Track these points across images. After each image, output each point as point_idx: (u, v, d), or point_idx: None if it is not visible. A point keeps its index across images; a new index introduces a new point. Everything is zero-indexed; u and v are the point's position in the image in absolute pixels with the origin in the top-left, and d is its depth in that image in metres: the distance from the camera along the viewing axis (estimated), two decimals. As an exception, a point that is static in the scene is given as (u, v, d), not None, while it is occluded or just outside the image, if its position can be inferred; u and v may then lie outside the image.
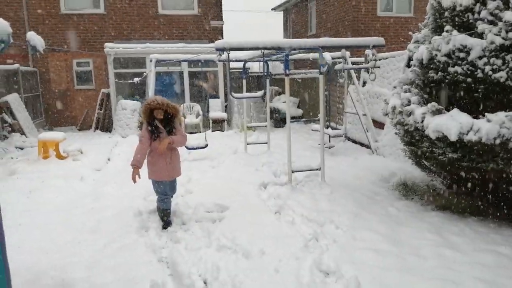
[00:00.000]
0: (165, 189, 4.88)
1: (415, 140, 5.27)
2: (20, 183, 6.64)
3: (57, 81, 13.79)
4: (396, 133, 5.99)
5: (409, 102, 5.26)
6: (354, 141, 10.05)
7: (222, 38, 14.91)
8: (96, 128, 13.08)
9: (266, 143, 9.24)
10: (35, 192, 6.17)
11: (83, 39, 13.74)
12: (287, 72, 5.90)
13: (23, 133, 10.54)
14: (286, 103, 6.26)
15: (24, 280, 3.47)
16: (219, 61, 7.04)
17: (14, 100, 10.70)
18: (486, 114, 4.35)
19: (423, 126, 4.79)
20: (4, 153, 8.90)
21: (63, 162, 8.10)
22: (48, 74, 13.71)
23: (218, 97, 13.63)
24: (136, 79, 10.13)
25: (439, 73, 4.98)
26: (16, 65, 11.71)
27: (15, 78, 11.61)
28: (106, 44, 12.52)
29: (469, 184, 5.07)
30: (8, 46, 1.99)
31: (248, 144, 9.18)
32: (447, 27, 4.93)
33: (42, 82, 13.66)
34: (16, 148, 9.58)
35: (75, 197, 6.01)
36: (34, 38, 9.08)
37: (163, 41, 13.80)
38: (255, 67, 17.07)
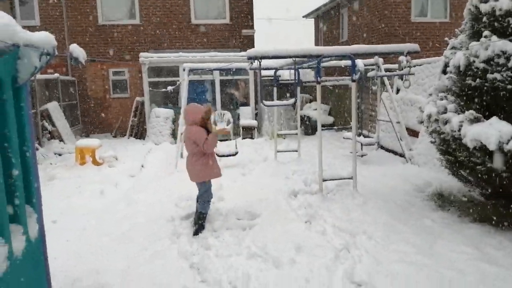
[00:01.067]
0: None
1: (451, 149, 5.10)
2: (58, 188, 6.91)
3: (94, 89, 14.30)
4: (431, 142, 5.82)
5: (445, 110, 5.10)
6: (388, 150, 9.84)
7: (254, 46, 15.03)
8: (131, 135, 13.44)
9: (296, 151, 9.20)
10: (72, 197, 6.39)
11: (119, 49, 14.21)
12: (319, 79, 5.86)
13: (61, 140, 10.97)
14: (317, 110, 6.22)
15: (62, 284, 3.59)
16: (251, 69, 7.09)
17: (53, 108, 11.17)
18: (528, 122, 4.16)
19: (460, 134, 4.62)
20: (43, 158, 9.29)
21: (99, 168, 8.37)
22: (86, 83, 14.25)
23: (249, 105, 13.72)
24: (169, 88, 10.37)
25: (477, 80, 4.81)
26: (56, 75, 12.25)
27: (54, 87, 12.13)
28: (141, 54, 12.90)
29: (509, 196, 4.84)
30: (53, 58, 2.09)
31: (278, 151, 9.17)
32: (486, 33, 4.76)
33: (80, 90, 14.21)
34: (55, 154, 9.98)
35: (109, 202, 6.18)
36: (77, 50, 9.46)
37: (196, 50, 14.08)
38: (286, 75, 17.03)
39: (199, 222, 4.93)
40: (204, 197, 5.08)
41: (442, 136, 5.15)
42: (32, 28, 13.64)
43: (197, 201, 5.12)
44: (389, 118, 9.25)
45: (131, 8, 14.25)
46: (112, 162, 8.70)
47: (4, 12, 1.88)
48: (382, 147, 10.02)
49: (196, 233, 4.84)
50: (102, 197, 6.42)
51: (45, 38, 1.95)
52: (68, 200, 6.22)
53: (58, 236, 4.72)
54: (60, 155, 9.97)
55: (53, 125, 10.94)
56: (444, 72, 5.82)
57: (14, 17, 13.53)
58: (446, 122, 4.96)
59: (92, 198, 6.32)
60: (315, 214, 5.25)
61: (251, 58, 5.73)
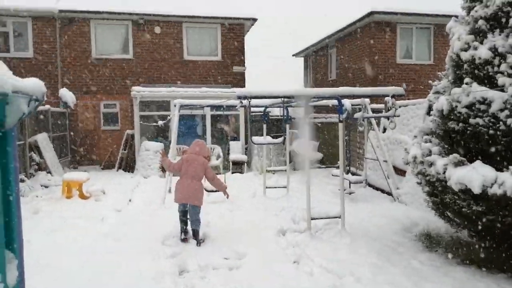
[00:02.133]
0: None
1: (437, 191, 5.19)
2: (43, 222, 6.78)
3: (85, 121, 14.30)
4: (418, 183, 5.92)
5: (430, 153, 5.23)
6: (375, 188, 9.93)
7: (245, 83, 15.35)
8: (119, 167, 13.35)
9: (285, 187, 9.23)
10: (57, 232, 6.27)
11: (111, 82, 14.36)
12: (307, 120, 5.99)
13: (49, 172, 10.85)
14: (306, 145, 6.33)
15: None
16: (241, 107, 7.23)
17: (42, 139, 11.11)
18: (510, 167, 4.28)
19: (445, 177, 4.73)
20: (29, 190, 9.14)
21: (86, 202, 8.26)
22: (77, 115, 14.26)
23: (239, 140, 13.82)
24: (160, 123, 10.45)
25: (460, 124, 4.97)
26: (47, 106, 12.25)
27: (45, 118, 12.10)
28: (133, 88, 13.03)
29: (496, 238, 4.90)
30: (42, 103, 2.14)
31: (267, 187, 9.19)
32: (467, 80, 4.97)
33: (71, 122, 14.19)
34: (42, 186, 9.84)
35: (95, 238, 6.07)
36: (66, 94, 9.81)
37: (187, 85, 14.29)
38: (276, 111, 17.31)
39: (197, 238, 5.83)
40: (198, 217, 5.96)
41: (427, 178, 5.26)
42: (25, 60, 13.78)
43: (191, 223, 5.95)
44: (376, 156, 9.40)
45: (124, 43, 14.53)
46: (99, 196, 8.61)
47: None
48: (369, 185, 10.11)
49: (199, 244, 5.75)
50: (88, 233, 6.30)
51: (35, 85, 2.01)
52: (53, 236, 6.10)
53: (42, 273, 4.60)
54: (46, 187, 9.83)
55: (41, 156, 10.84)
56: (429, 113, 6.00)
57: (8, 49, 13.68)
58: (431, 164, 5.08)
59: (78, 234, 6.20)
60: (303, 254, 5.22)
61: (240, 98, 5.86)
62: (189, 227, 6.02)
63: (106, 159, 14.26)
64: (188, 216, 5.98)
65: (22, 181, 9.59)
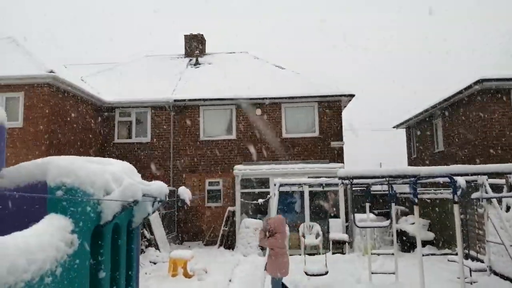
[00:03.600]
0: None
1: None
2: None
3: (191, 199, 15.21)
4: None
5: None
6: (502, 276, 8.52)
7: (343, 157, 15.14)
8: (221, 244, 13.65)
9: (394, 273, 8.41)
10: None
11: (215, 162, 15.32)
12: (416, 201, 5.56)
13: (157, 248, 11.52)
14: (417, 231, 5.78)
15: None
16: (342, 184, 7.05)
17: (154, 217, 12.01)
18: None
19: None
20: (140, 267, 9.71)
21: (189, 281, 8.46)
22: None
23: (339, 217, 13.30)
24: (260, 201, 10.64)
25: None
26: (179, 198, 13.37)
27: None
28: (235, 166, 13.70)
29: None
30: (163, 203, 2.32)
31: (372, 273, 8.48)
32: None
33: (183, 203, 15.19)
34: (150, 262, 10.42)
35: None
36: (184, 192, 10.74)
37: (286, 162, 14.58)
38: (377, 185, 16.57)
39: None
40: None
41: None
42: (144, 145, 15.54)
43: None
44: (501, 239, 8.19)
45: (228, 126, 15.65)
46: (202, 275, 8.77)
47: (127, 163, 2.18)
48: (495, 273, 8.72)
49: None
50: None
51: (160, 188, 2.20)
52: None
53: None
54: (155, 263, 10.38)
55: (152, 233, 11.64)
56: None
57: (130, 135, 15.63)
58: None
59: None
60: None
61: (342, 179, 5.72)
62: None
63: (209, 235, 14.74)
64: None
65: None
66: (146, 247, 11.33)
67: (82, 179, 1.78)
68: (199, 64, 19.20)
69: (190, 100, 15.47)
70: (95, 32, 73.48)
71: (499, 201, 8.80)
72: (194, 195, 15.19)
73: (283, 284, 6.58)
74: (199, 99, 15.45)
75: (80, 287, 1.69)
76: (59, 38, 65.51)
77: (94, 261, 1.88)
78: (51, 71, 12.24)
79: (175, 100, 15.41)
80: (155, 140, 15.65)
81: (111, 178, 1.99)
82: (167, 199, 2.36)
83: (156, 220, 12.07)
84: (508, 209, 8.96)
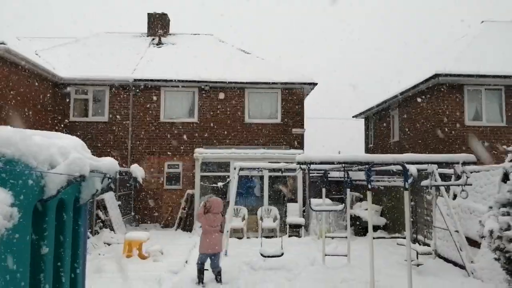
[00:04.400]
0: None
1: (521, 272, 4.61)
2: (102, 283, 6.92)
3: (149, 180, 14.98)
4: (495, 259, 5.32)
5: (509, 227, 4.73)
6: (446, 259, 9.07)
7: (303, 144, 15.38)
8: (178, 227, 13.58)
9: (346, 256, 8.74)
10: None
11: (176, 144, 15.10)
12: (370, 186, 5.77)
13: (112, 229, 11.28)
14: (369, 215, 6.00)
15: None
16: (300, 170, 7.17)
17: (109, 198, 11.72)
18: None
19: (529, 257, 4.20)
20: (93, 248, 9.50)
21: (144, 262, 8.37)
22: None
23: (297, 202, 13.58)
24: (220, 184, 10.64)
25: (544, 197, 4.49)
26: (131, 176, 13.02)
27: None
28: (196, 149, 13.57)
29: None
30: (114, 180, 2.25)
31: (326, 255, 8.76)
32: (548, 148, 4.55)
33: (136, 181, 14.92)
34: (105, 243, 10.21)
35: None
36: (136, 170, 10.73)
37: (247, 147, 14.61)
38: (335, 172, 17.01)
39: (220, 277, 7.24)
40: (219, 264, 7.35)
41: (507, 254, 4.72)
42: (102, 124, 15.03)
43: (216, 268, 7.25)
44: (447, 225, 8.69)
45: (190, 108, 15.41)
46: (157, 257, 8.71)
47: (77, 138, 2.09)
48: (440, 256, 9.27)
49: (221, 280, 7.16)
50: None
51: (110, 164, 2.13)
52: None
53: None
54: (109, 244, 10.18)
55: (107, 214, 11.37)
56: (504, 180, 5.53)
57: (87, 114, 15.07)
58: (510, 240, 4.57)
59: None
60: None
61: (300, 163, 5.82)
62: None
63: (166, 218, 14.61)
64: (210, 264, 7.29)
65: (88, 237, 10.05)
66: (101, 228, 11.07)
67: (23, 151, 1.68)
68: (162, 44, 18.69)
69: (151, 80, 15.06)
70: (56, 8, 69.23)
71: (447, 189, 9.29)
72: (152, 176, 14.96)
73: (202, 265, 7.23)
74: (160, 80, 15.07)
75: (20, 261, 1.62)
76: (14, 8, 61.41)
77: (37, 237, 1.80)
78: (2, 43, 11.49)
79: (135, 80, 14.95)
80: (113, 120, 15.17)
81: (58, 152, 1.90)
82: (118, 176, 2.30)
83: (111, 201, 11.78)
84: (455, 197, 9.49)
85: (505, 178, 5.69)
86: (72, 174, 1.75)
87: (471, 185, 5.73)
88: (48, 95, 14.47)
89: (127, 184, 14.30)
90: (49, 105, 14.55)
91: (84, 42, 18.27)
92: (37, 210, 1.78)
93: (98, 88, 15.25)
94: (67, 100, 15.12)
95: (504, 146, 5.83)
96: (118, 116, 15.21)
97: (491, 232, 4.96)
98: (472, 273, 7.75)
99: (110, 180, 2.16)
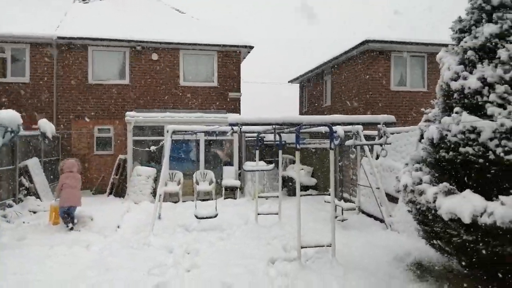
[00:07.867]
0: None
1: (428, 220, 5.11)
2: (27, 250, 6.60)
3: (78, 146, 14.24)
4: (408, 211, 5.84)
5: (420, 181, 5.18)
6: (368, 215, 9.80)
7: (240, 108, 15.41)
8: (110, 193, 13.19)
9: (277, 214, 9.10)
10: (41, 262, 6.09)
11: (106, 107, 14.40)
12: (298, 146, 5.97)
13: (38, 197, 10.69)
14: (297, 174, 6.25)
15: None
16: (233, 133, 7.20)
17: (33, 164, 11.01)
18: (500, 196, 4.23)
19: (435, 206, 4.66)
20: (17, 216, 8.97)
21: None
22: (70, 140, 14.20)
23: (232, 165, 13.73)
24: (152, 148, 10.40)
25: (450, 153, 4.95)
26: (39, 131, 12.19)
27: (37, 143, 12.01)
28: (127, 113, 13.05)
29: (486, 268, 4.79)
30: (18, 134, 2.09)
31: (259, 214, 9.06)
32: (457, 109, 4.98)
33: (63, 146, 14.12)
34: (30, 211, 9.67)
35: (80, 267, 5.90)
36: (45, 125, 10.02)
37: (182, 111, 14.33)
38: (270, 136, 17.34)
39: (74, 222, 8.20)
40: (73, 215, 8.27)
41: (418, 206, 5.19)
42: (22, 85, 13.84)
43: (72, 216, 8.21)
44: (369, 183, 9.33)
45: (121, 70, 14.65)
46: (87, 223, 8.43)
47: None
48: (363, 212, 10.00)
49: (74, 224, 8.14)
50: (73, 262, 6.13)
51: (11, 117, 1.99)
52: (37, 267, 5.91)
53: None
54: (35, 212, 9.66)
55: (31, 181, 10.71)
56: (421, 141, 5.99)
57: (5, 74, 13.77)
58: (421, 193, 5.02)
59: (61, 263, 6.03)
60: (291, 286, 5.07)
61: (232, 125, 5.84)
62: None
63: (98, 184, 14.12)
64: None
65: (10, 206, 9.43)
66: (25, 195, 10.43)
67: None
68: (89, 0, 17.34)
69: (76, 38, 14.01)
70: None
71: (371, 150, 9.91)
72: (80, 141, 14.23)
73: (64, 214, 8.10)
74: (87, 38, 14.07)
75: None
76: None
77: None
78: None
79: (58, 37, 13.82)
80: (35, 81, 14.02)
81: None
82: (21, 130, 2.13)
83: (36, 167, 11.09)
84: (377, 157, 10.16)
85: (421, 138, 6.17)
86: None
87: (390, 144, 6.15)
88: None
89: (53, 152, 13.49)
90: (-43, 62, 13.05)
91: (-3, -6, 16.38)
92: None
93: (17, 45, 13.91)
94: (-20, 58, 13.67)
95: (422, 109, 6.30)
96: (41, 77, 14.08)
97: (405, 186, 5.41)
98: (390, 226, 8.47)
99: (12, 134, 2.01)
